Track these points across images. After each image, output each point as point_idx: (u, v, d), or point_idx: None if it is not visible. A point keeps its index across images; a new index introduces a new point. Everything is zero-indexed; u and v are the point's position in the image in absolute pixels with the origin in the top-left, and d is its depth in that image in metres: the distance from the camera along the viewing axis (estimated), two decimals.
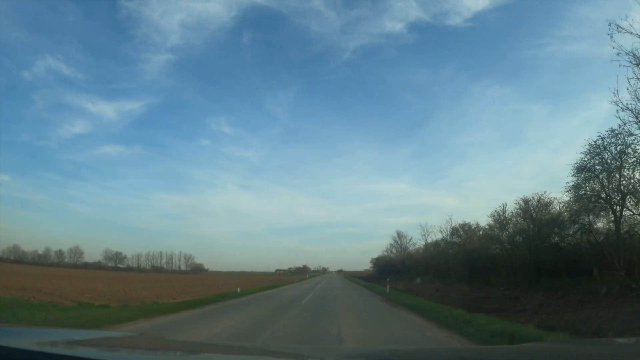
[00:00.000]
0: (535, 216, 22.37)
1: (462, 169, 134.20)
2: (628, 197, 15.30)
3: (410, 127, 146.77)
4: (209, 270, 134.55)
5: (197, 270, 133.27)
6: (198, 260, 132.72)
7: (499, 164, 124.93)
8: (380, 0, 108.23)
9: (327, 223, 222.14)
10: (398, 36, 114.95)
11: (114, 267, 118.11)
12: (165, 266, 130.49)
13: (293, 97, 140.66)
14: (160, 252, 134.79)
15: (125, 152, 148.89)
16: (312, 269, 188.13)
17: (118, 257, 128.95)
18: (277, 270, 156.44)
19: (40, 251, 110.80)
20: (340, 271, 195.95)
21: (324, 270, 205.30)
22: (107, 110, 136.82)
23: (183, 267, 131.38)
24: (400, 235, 63.64)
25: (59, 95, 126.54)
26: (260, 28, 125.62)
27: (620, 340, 3.89)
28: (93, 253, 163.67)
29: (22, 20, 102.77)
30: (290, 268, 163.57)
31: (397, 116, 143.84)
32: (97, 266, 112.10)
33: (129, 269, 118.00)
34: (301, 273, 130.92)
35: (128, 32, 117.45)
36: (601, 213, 17.03)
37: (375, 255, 77.82)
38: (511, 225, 24.98)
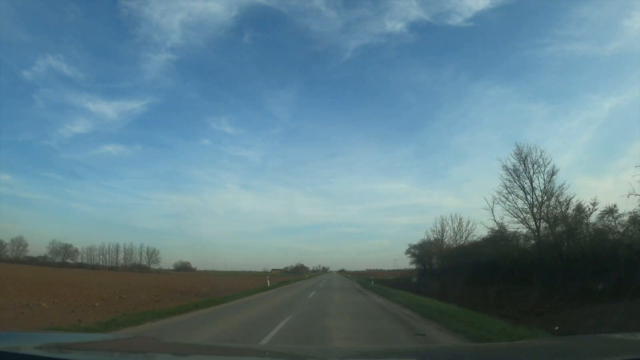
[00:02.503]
0: None
1: (462, 169, 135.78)
2: None
3: (410, 127, 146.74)
4: (197, 269, 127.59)
5: (185, 269, 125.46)
6: (164, 256, 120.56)
7: (499, 164, 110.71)
8: (381, 0, 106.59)
9: (327, 223, 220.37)
10: (399, 36, 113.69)
11: (62, 263, 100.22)
12: (123, 262, 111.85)
13: (294, 96, 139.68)
14: (117, 246, 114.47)
15: (125, 151, 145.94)
16: (311, 269, 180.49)
17: (67, 250, 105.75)
18: (272, 269, 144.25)
19: None
20: (342, 271, 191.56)
21: (324, 270, 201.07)
22: (108, 109, 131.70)
23: (145, 264, 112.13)
24: (526, 157, 22.44)
25: (60, 94, 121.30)
26: (260, 28, 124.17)
27: (615, 336, 3.34)
28: (38, 245, 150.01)
29: (22, 20, 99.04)
30: (286, 267, 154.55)
31: (398, 116, 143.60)
32: (41, 261, 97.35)
33: (81, 265, 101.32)
34: (298, 273, 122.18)
35: (129, 31, 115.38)
36: None
37: (414, 241, 47.18)
38: None
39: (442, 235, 38.10)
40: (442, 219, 39.27)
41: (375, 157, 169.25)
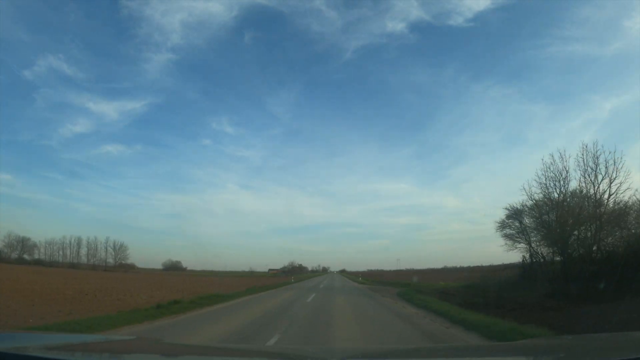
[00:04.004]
0: None
1: (463, 169, 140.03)
2: None
3: (411, 128, 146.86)
4: (188, 269, 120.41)
5: (174, 268, 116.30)
6: (134, 252, 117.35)
7: (500, 165, 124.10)
8: (382, 0, 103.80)
9: (328, 223, 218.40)
10: (399, 36, 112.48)
11: (18, 259, 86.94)
12: (84, 259, 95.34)
13: (294, 97, 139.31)
14: (79, 239, 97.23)
15: (126, 151, 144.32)
16: (310, 269, 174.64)
17: (24, 244, 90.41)
18: (270, 269, 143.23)
19: None
20: (343, 271, 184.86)
21: (325, 270, 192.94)
22: (109, 109, 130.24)
23: (110, 261, 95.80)
24: None
25: (60, 94, 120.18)
26: (261, 28, 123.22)
27: (616, 335, 3.31)
28: None
29: (23, 19, 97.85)
30: (284, 268, 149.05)
31: (399, 116, 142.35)
32: None
33: (38, 262, 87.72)
34: (295, 273, 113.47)
35: (129, 31, 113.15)
36: None
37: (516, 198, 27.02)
38: None
39: (565, 188, 17.26)
40: (558, 155, 17.74)
41: (376, 157, 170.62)
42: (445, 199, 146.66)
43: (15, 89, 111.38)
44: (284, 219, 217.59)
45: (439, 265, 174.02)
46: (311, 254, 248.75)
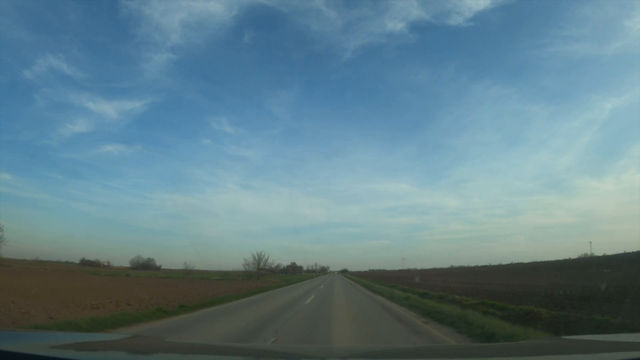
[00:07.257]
0: None
1: (463, 169, 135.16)
2: None
3: (411, 128, 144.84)
4: (162, 267, 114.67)
5: (145, 267, 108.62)
6: (15, 238, 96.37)
7: (500, 165, 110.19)
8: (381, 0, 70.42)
9: (328, 223, 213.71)
10: (399, 36, 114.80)
11: None
12: None
13: (294, 96, 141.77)
14: None
15: (126, 151, 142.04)
16: (305, 269, 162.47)
17: None
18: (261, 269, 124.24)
19: None
20: (344, 271, 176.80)
21: (324, 271, 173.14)
22: (109, 109, 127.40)
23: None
24: None
25: (60, 94, 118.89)
26: (261, 27, 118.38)
27: (616, 336, 3.42)
28: None
29: (23, 19, 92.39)
30: (278, 266, 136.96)
31: (398, 116, 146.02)
32: None
33: None
34: (266, 276, 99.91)
35: (129, 31, 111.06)
36: None
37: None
38: None
39: None
40: None
41: (376, 157, 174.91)
42: (445, 199, 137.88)
43: (15, 89, 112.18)
44: (284, 219, 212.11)
45: (444, 264, 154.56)
46: (312, 253, 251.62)
